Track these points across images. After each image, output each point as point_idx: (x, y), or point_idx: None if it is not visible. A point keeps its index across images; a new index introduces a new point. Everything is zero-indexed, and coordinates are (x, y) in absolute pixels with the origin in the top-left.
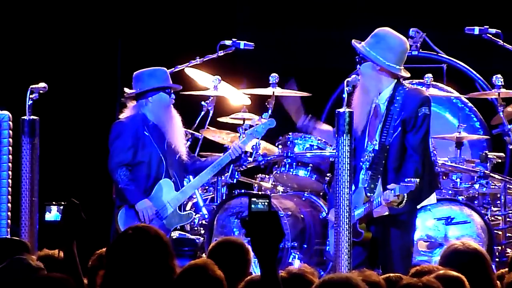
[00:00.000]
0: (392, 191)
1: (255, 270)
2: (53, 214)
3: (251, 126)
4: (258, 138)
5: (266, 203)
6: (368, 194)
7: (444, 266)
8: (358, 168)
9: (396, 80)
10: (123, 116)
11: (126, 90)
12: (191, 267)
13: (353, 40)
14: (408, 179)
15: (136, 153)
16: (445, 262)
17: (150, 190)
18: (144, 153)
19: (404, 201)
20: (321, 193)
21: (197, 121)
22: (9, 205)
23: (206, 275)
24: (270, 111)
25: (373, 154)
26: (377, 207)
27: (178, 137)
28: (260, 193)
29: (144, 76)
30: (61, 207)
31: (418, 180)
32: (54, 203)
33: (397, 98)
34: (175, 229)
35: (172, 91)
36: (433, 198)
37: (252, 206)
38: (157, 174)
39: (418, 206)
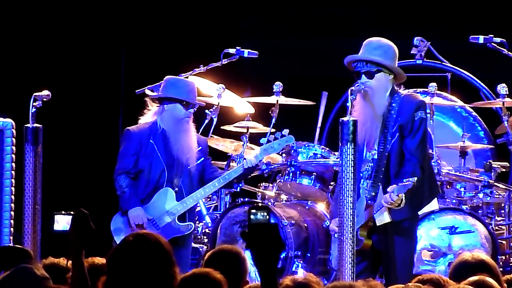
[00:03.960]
0: (391, 193)
1: (258, 279)
2: (61, 223)
3: (268, 141)
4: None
5: (265, 215)
6: (369, 202)
7: (454, 278)
8: (358, 178)
9: (391, 88)
10: (141, 120)
11: (148, 91)
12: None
13: (350, 56)
14: (406, 179)
15: (138, 160)
16: (454, 274)
17: (148, 198)
18: (145, 161)
19: (403, 201)
20: (324, 202)
21: (201, 129)
22: (12, 213)
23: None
24: (274, 119)
25: (372, 164)
26: (378, 211)
27: (185, 150)
28: (260, 204)
29: (168, 83)
30: (70, 217)
31: (416, 178)
32: (63, 212)
33: (393, 105)
34: (174, 239)
35: (191, 106)
36: (434, 204)
37: (252, 217)
38: (157, 183)
39: (420, 213)
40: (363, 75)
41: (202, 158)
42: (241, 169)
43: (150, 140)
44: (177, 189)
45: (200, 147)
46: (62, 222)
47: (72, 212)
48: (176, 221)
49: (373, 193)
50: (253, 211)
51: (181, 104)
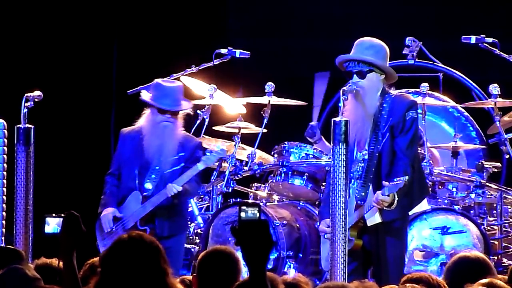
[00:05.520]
0: (383, 190)
1: None
2: (52, 226)
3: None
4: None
5: (256, 212)
6: (359, 202)
7: (450, 276)
8: (349, 179)
9: (382, 88)
10: (136, 122)
11: (142, 93)
12: None
13: (341, 56)
14: (397, 178)
15: (121, 162)
16: (451, 271)
17: (123, 200)
18: (125, 163)
19: (395, 201)
20: (316, 202)
21: (193, 130)
22: (4, 213)
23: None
24: (266, 120)
25: (363, 164)
26: (369, 210)
27: (158, 154)
28: (250, 201)
29: (153, 86)
30: (61, 219)
31: (407, 177)
32: (53, 215)
33: (384, 105)
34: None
35: (170, 112)
36: (424, 204)
37: (242, 214)
38: (131, 186)
39: (412, 213)
40: (354, 75)
41: (182, 164)
42: (165, 193)
43: (132, 144)
44: (146, 193)
45: (183, 153)
46: (53, 224)
47: (62, 214)
48: (137, 225)
49: (363, 193)
50: (244, 208)
51: (157, 108)
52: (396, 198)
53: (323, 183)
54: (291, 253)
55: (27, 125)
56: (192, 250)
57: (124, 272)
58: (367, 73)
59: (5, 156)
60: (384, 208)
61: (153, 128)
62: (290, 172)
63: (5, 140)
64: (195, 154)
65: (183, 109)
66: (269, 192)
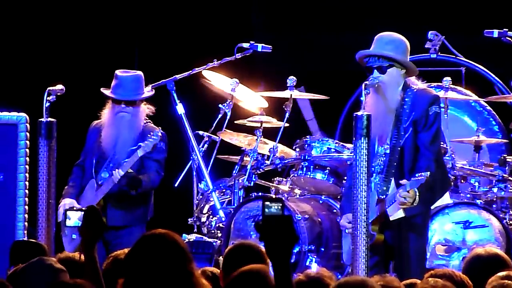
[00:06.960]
0: (404, 186)
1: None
2: (73, 220)
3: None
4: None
5: (279, 207)
6: (381, 196)
7: (467, 273)
8: (370, 173)
9: (404, 83)
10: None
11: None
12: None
13: (361, 51)
14: (419, 174)
15: (85, 154)
16: (468, 268)
17: (83, 190)
18: (88, 154)
19: (417, 197)
20: (338, 197)
21: (215, 124)
22: (26, 207)
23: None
24: (287, 114)
25: (384, 158)
26: (391, 205)
27: (112, 145)
28: (274, 196)
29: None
30: (82, 213)
31: (428, 173)
32: (75, 208)
33: (406, 99)
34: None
35: (125, 102)
36: (446, 198)
37: (266, 210)
38: (90, 176)
39: (434, 207)
40: (375, 70)
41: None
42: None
43: (94, 136)
44: (101, 181)
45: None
46: (74, 218)
47: (83, 208)
48: None
49: (385, 188)
50: (267, 203)
51: (112, 100)
52: (417, 194)
53: (345, 178)
54: (312, 247)
55: (49, 119)
56: (214, 244)
57: (147, 273)
58: (388, 68)
59: (27, 150)
60: (408, 206)
61: (110, 119)
62: (311, 166)
63: (28, 134)
64: (156, 145)
65: (139, 98)
66: (290, 186)
